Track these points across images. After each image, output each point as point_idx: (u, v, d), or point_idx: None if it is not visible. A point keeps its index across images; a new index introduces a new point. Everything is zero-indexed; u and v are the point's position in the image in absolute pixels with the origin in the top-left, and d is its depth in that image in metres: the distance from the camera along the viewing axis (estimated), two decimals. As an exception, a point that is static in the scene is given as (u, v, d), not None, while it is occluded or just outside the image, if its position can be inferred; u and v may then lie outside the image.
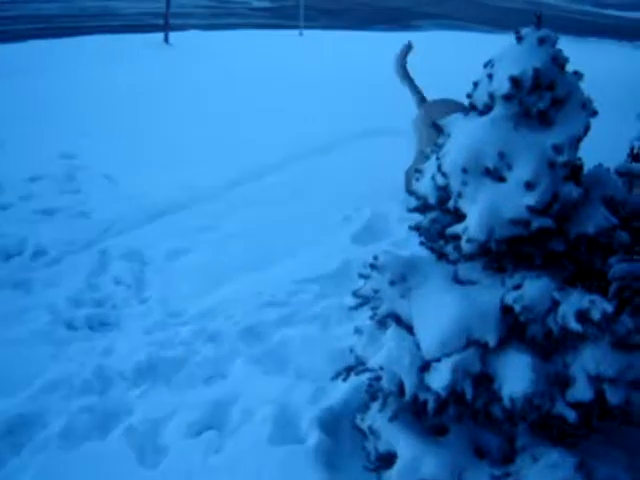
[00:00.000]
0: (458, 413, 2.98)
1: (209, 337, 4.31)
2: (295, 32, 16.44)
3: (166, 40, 13.94)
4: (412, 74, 6.80)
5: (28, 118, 8.49)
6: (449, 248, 3.13)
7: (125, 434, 3.52)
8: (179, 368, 4.04)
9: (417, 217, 3.41)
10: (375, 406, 3.13)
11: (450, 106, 5.93)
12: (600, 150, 3.56)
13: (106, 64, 11.47)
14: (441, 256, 3.19)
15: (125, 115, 8.76)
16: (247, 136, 7.96)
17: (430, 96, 6.50)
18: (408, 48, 6.80)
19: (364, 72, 11.91)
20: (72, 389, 3.85)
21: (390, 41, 16.30)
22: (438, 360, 2.78)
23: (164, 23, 14.04)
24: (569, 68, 2.84)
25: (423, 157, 5.43)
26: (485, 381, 2.85)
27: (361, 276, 3.08)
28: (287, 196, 6.30)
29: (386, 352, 2.84)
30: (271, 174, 6.88)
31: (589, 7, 30.47)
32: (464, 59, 13.69)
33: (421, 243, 3.25)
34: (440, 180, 2.87)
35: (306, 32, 16.47)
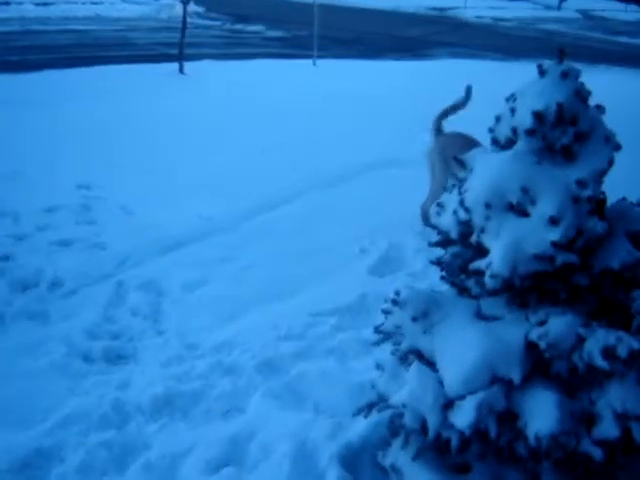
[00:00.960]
0: (481, 451, 2.95)
1: (226, 370, 4.27)
2: (309, 61, 16.53)
3: (181, 70, 14.03)
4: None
5: (44, 148, 8.54)
6: (470, 283, 3.10)
7: (143, 470, 3.48)
8: (196, 402, 4.01)
9: (435, 249, 3.44)
10: (397, 443, 3.09)
11: (464, 140, 5.99)
12: (621, 182, 3.53)
13: (122, 94, 11.55)
14: (462, 291, 3.17)
15: (141, 146, 8.80)
16: (261, 166, 7.97)
17: (446, 126, 6.46)
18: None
19: (377, 102, 11.98)
20: (89, 423, 3.82)
21: (403, 70, 16.48)
22: (462, 398, 2.74)
23: (179, 53, 14.14)
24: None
25: (439, 191, 5.46)
26: (509, 418, 2.81)
27: (383, 312, 3.05)
28: (303, 227, 6.28)
29: (409, 389, 2.80)
30: (286, 205, 6.88)
31: (600, 34, 30.59)
32: (478, 87, 13.76)
33: (442, 278, 3.23)
34: (462, 215, 2.85)
35: (319, 61, 16.56)
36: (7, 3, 21.75)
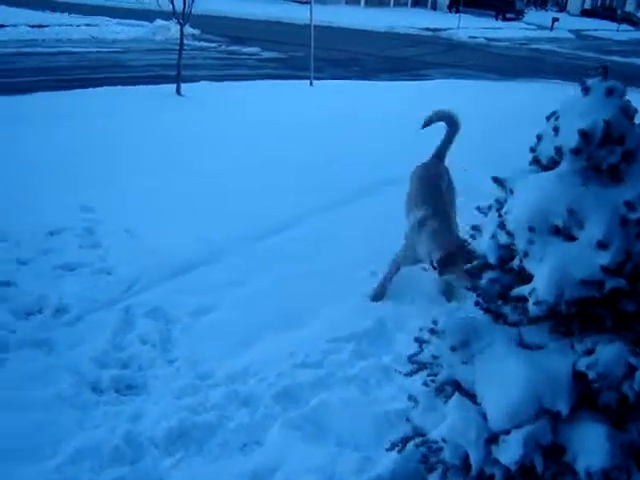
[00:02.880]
0: (523, 486, 2.79)
1: (242, 401, 4.11)
2: (305, 82, 16.47)
3: (178, 91, 13.92)
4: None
5: (42, 170, 8.34)
6: (508, 309, 2.96)
7: (160, 509, 3.31)
8: (212, 435, 3.84)
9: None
10: (433, 478, 2.93)
11: (430, 169, 5.82)
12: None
13: (120, 115, 11.40)
14: (498, 317, 3.02)
15: (141, 167, 8.63)
16: (265, 188, 7.83)
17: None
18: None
19: (377, 120, 11.92)
20: (101, 458, 3.65)
21: (399, 90, 16.44)
22: (507, 432, 2.59)
23: (176, 74, 14.03)
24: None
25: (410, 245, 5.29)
26: (555, 452, 2.66)
27: (417, 341, 2.90)
28: (312, 250, 6.13)
29: (450, 423, 2.65)
30: (293, 228, 6.72)
31: (592, 54, 30.73)
32: (475, 107, 13.74)
33: (476, 304, 3.07)
34: (503, 238, 2.72)
35: (316, 82, 16.51)
36: (2, 25, 21.61)
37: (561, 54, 29.92)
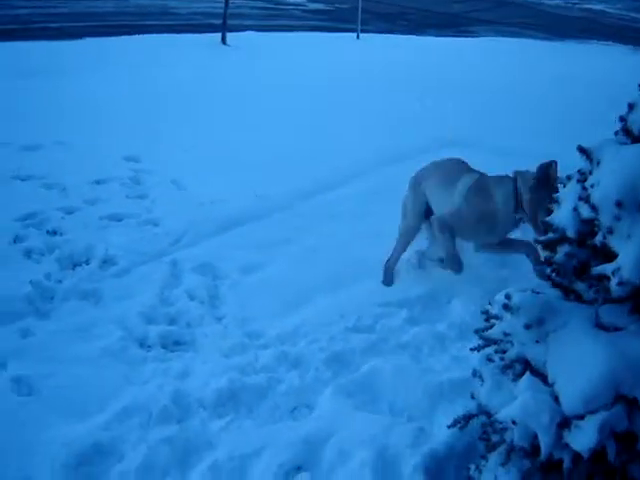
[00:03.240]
0: (590, 471, 2.66)
1: (292, 363, 4.02)
2: (352, 35, 16.18)
3: (223, 41, 13.74)
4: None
5: (88, 118, 8.31)
6: (582, 286, 2.81)
7: (209, 472, 3.24)
8: (262, 397, 3.76)
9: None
10: (495, 458, 2.81)
11: (440, 168, 4.96)
12: None
13: (165, 64, 11.30)
14: (569, 293, 2.87)
15: (187, 118, 8.54)
16: (316, 143, 7.68)
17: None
18: None
19: (423, 77, 11.63)
20: (149, 417, 3.58)
21: (446, 46, 16.06)
22: (581, 417, 2.46)
23: (222, 24, 13.83)
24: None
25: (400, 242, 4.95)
26: (628, 439, 2.53)
27: (487, 315, 2.77)
28: (363, 210, 5.97)
29: (521, 405, 2.52)
30: (343, 186, 6.56)
31: (647, 16, 29.80)
32: (521, 67, 13.38)
33: (548, 278, 2.92)
34: (586, 212, 2.55)
35: (363, 35, 16.21)
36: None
37: (613, 15, 29.07)
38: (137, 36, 13.69)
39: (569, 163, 2.92)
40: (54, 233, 5.51)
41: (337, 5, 21.95)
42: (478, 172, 4.76)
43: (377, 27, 18.30)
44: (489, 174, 4.72)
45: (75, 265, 5.09)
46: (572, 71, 12.86)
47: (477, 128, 8.43)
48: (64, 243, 5.33)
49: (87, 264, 5.09)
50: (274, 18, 18.85)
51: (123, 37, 13.58)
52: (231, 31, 14.12)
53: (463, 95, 10.35)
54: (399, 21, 20.94)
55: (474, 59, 13.97)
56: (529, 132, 8.24)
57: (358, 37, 16.25)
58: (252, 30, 15.51)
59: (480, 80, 11.61)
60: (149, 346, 4.24)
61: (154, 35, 13.87)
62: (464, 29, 20.62)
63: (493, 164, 6.19)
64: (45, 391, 3.76)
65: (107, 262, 5.11)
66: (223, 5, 14.09)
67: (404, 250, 4.99)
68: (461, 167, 4.86)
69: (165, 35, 14.04)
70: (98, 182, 6.46)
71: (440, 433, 3.36)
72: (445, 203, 4.72)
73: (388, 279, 4.97)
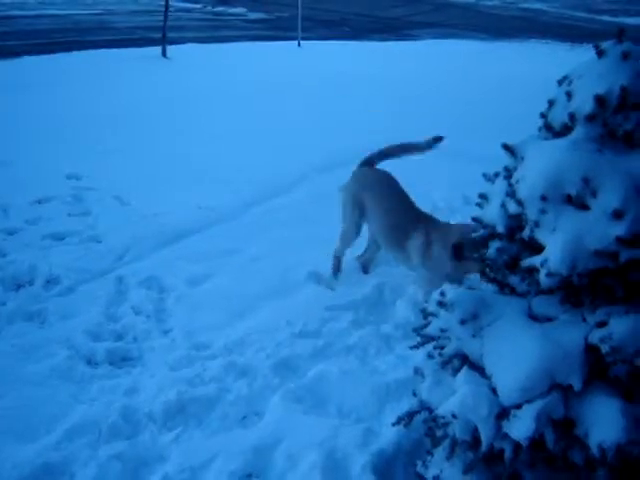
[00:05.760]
0: (532, 459, 2.73)
1: (240, 372, 4.03)
2: (293, 43, 16.24)
3: (164, 54, 13.69)
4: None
5: (27, 137, 8.22)
6: (515, 280, 2.88)
7: (161, 485, 3.24)
8: (211, 408, 3.76)
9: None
10: (440, 453, 2.87)
11: (373, 176, 4.95)
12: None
13: (106, 79, 11.23)
14: (503, 287, 2.95)
15: (129, 132, 8.49)
16: (256, 153, 7.69)
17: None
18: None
19: (364, 83, 11.72)
20: (99, 434, 3.57)
21: (388, 51, 16.21)
22: (518, 407, 2.52)
23: (162, 37, 13.78)
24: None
25: (345, 235, 4.95)
26: (565, 426, 2.60)
27: (423, 313, 2.82)
28: (306, 215, 5.99)
29: (460, 399, 2.58)
30: (287, 193, 6.60)
31: (583, 13, 30.41)
32: (462, 68, 13.57)
33: (482, 274, 2.99)
34: (513, 208, 2.62)
35: (304, 43, 16.27)
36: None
37: (551, 13, 29.60)
38: (76, 52, 13.57)
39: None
40: (-5, 255, 5.44)
41: (277, 14, 22.00)
42: (423, 219, 4.66)
43: (318, 34, 18.37)
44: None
45: (19, 286, 5.03)
46: (511, 71, 13.08)
47: (417, 131, 8.50)
48: (7, 264, 5.26)
49: (31, 284, 5.04)
50: (215, 29, 18.83)
51: (62, 54, 13.45)
52: (172, 43, 14.07)
53: (403, 99, 10.47)
54: (340, 27, 21.05)
55: (415, 63, 14.12)
56: (470, 133, 8.35)
57: (299, 45, 16.31)
58: (193, 42, 15.48)
59: (421, 83, 11.76)
60: (96, 363, 4.22)
61: (93, 51, 13.76)
62: (406, 33, 20.80)
63: (436, 166, 6.32)
64: (-7, 414, 3.73)
65: (51, 282, 5.06)
66: (162, 18, 14.04)
67: (349, 246, 5.05)
68: (404, 202, 4.79)
69: (105, 50, 13.94)
70: (39, 201, 6.39)
71: (388, 432, 3.40)
72: (394, 247, 4.72)
73: (335, 269, 5.04)
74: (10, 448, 3.46)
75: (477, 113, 9.56)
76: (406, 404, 3.34)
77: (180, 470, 3.30)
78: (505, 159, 2.77)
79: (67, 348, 4.30)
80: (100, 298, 4.85)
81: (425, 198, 6.10)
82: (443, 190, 6.54)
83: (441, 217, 5.88)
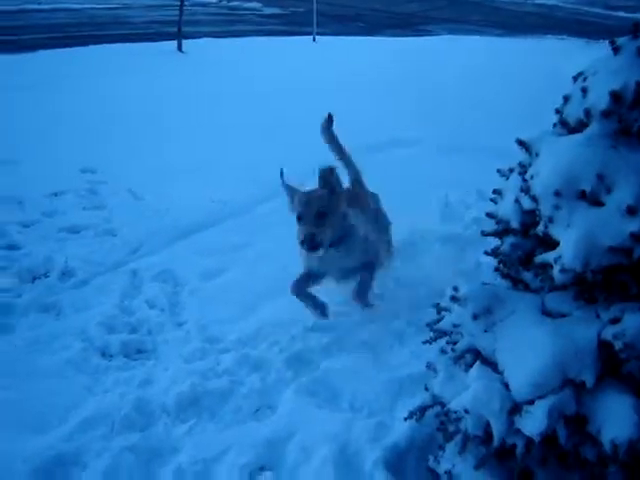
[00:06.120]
0: (544, 455, 2.73)
1: (254, 366, 4.05)
2: (308, 38, 16.24)
3: (179, 48, 13.73)
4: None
5: (43, 131, 8.29)
6: (528, 275, 2.88)
7: (173, 476, 3.26)
8: (225, 401, 3.78)
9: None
10: (452, 448, 2.87)
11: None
12: None
13: (122, 74, 11.27)
14: (517, 283, 2.95)
15: (143, 127, 8.54)
16: (270, 148, 7.69)
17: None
18: (329, 120, 5.52)
19: (379, 79, 11.71)
20: (112, 425, 3.59)
21: (403, 47, 16.18)
22: (531, 402, 2.52)
23: (177, 31, 13.82)
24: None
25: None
26: (578, 422, 2.60)
27: (437, 308, 2.83)
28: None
29: (473, 393, 2.58)
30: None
31: (599, 9, 30.24)
32: (477, 64, 13.51)
33: (496, 269, 3.00)
34: (527, 203, 2.62)
35: (319, 38, 16.27)
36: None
37: (566, 9, 29.45)
38: (92, 47, 13.63)
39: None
40: (12, 247, 5.49)
41: (292, 9, 22.02)
42: None
43: (333, 29, 18.37)
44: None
45: (34, 278, 5.08)
46: (526, 67, 13.02)
47: (432, 127, 8.53)
48: (23, 256, 5.32)
49: (46, 277, 5.09)
50: (230, 24, 18.86)
51: (77, 48, 13.52)
52: (187, 38, 14.11)
53: (420, 94, 10.46)
54: (355, 23, 21.04)
55: (431, 58, 14.09)
56: (484, 128, 8.34)
57: (314, 40, 16.31)
58: (208, 37, 15.51)
59: (436, 79, 11.74)
60: (111, 355, 4.25)
61: (109, 45, 13.82)
62: (421, 28, 20.77)
63: (450, 161, 6.30)
64: (5, 405, 3.75)
65: (66, 274, 5.11)
66: (178, 13, 14.08)
67: None
68: None
69: (120, 45, 14.00)
70: (55, 194, 6.44)
71: (400, 427, 3.40)
72: None
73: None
74: (22, 440, 3.48)
75: (492, 109, 9.53)
76: (418, 400, 3.33)
77: (193, 462, 3.32)
78: (520, 154, 2.78)
79: (82, 340, 4.34)
80: (115, 291, 4.89)
81: (439, 193, 6.14)
82: (457, 185, 6.52)
83: (455, 213, 5.95)
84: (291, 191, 4.41)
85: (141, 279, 5.04)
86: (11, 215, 5.99)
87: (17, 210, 6.12)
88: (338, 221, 4.28)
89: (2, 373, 3.99)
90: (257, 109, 9.34)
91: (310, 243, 4.08)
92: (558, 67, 12.85)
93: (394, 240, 5.12)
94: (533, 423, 2.50)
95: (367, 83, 11.34)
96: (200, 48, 13.98)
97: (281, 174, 4.46)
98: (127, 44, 14.14)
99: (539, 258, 2.61)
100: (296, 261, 5.03)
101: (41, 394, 3.85)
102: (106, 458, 3.36)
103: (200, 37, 15.16)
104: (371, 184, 6.40)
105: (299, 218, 4.18)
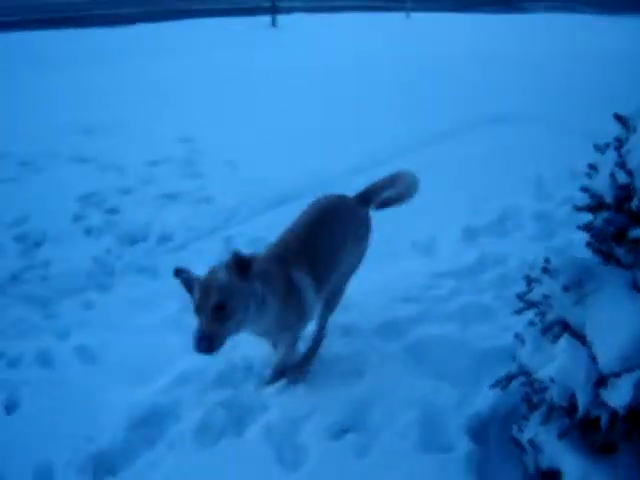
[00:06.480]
0: (629, 429, 2.75)
1: (344, 331, 4.16)
2: (401, 15, 16.16)
3: (274, 23, 13.87)
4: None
5: (143, 101, 8.55)
6: (620, 251, 2.88)
7: (263, 432, 3.40)
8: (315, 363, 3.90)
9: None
10: (536, 418, 2.92)
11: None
12: None
13: (218, 47, 11.50)
14: (609, 259, 2.95)
15: (239, 99, 8.73)
16: (367, 121, 7.78)
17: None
18: None
19: (479, 55, 11.60)
20: (206, 381, 3.77)
21: (499, 24, 15.93)
22: (617, 375, 2.55)
23: (272, 6, 13.96)
24: None
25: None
26: (665, 398, 2.61)
27: (527, 279, 2.87)
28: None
29: (559, 364, 2.62)
30: (393, 161, 6.64)
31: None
32: (573, 41, 13.22)
33: (588, 244, 3.01)
34: (622, 178, 2.63)
35: (412, 14, 16.16)
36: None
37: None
38: (189, 20, 13.90)
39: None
40: (113, 211, 5.73)
41: (387, -16, 21.88)
42: None
43: (425, 6, 18.22)
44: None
45: (133, 242, 5.30)
46: (621, 46, 12.70)
47: (535, 104, 8.48)
48: (122, 221, 5.56)
49: (144, 241, 5.31)
50: (323, -1, 18.92)
51: (175, 22, 13.80)
52: (280, 13, 14.23)
53: (522, 72, 10.36)
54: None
55: (530, 36, 13.85)
56: (577, 107, 8.22)
57: (408, 16, 16.22)
58: (301, 12, 15.61)
59: (536, 56, 11.58)
60: (206, 316, 4.41)
61: (205, 19, 14.06)
62: (516, 5, 20.39)
63: (544, 140, 6.25)
64: (107, 359, 3.98)
65: (164, 238, 5.31)
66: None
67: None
68: None
69: (216, 19, 14.23)
70: (154, 163, 6.66)
71: (485, 396, 3.46)
72: None
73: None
74: (121, 391, 3.71)
75: (585, 87, 9.37)
76: (503, 371, 3.38)
77: (281, 420, 3.45)
78: (613, 134, 2.78)
79: (178, 301, 4.50)
80: (209, 256, 5.03)
81: (531, 171, 6.12)
82: (549, 164, 6.47)
83: (547, 191, 5.93)
84: (189, 283, 3.33)
85: (235, 245, 5.18)
86: (112, 182, 6.24)
87: (118, 177, 6.37)
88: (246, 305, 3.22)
89: (106, 328, 4.23)
90: (353, 83, 9.42)
91: (207, 345, 3.07)
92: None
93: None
94: (619, 396, 2.52)
95: (464, 60, 11.25)
96: (293, 23, 14.12)
97: (175, 274, 3.36)
98: (222, 18, 14.36)
99: (632, 233, 2.62)
100: (387, 235, 5.09)
101: (141, 350, 4.06)
102: (199, 412, 3.54)
103: (293, 12, 15.27)
104: (468, 160, 6.41)
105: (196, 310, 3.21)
